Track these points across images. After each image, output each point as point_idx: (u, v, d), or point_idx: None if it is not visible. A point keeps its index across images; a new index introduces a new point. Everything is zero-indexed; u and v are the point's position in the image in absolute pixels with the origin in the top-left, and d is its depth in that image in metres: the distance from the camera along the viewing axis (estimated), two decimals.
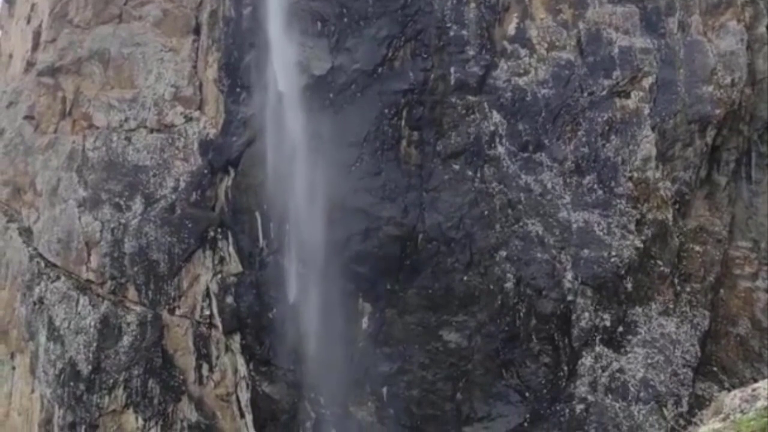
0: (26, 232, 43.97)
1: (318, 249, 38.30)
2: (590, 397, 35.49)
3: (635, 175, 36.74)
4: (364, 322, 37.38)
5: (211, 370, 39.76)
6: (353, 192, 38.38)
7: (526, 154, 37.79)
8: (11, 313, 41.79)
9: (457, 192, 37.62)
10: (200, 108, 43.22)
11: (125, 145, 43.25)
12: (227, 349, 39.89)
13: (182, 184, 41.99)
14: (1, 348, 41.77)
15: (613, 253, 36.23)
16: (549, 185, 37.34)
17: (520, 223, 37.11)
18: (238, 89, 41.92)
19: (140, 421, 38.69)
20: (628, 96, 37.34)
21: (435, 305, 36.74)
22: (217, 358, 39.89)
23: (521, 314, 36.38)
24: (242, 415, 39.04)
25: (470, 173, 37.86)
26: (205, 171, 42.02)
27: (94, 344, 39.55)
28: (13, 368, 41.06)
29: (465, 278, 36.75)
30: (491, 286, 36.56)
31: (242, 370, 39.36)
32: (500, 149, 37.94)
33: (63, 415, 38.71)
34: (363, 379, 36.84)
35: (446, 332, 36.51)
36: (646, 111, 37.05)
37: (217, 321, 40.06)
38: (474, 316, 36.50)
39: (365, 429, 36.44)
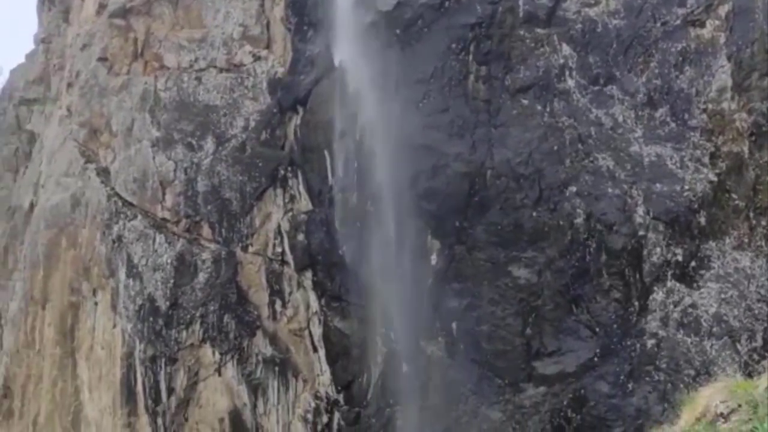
0: (104, 172, 45.10)
1: (386, 186, 38.47)
2: (661, 333, 35.21)
3: (710, 106, 35.71)
4: (433, 259, 37.58)
5: (284, 305, 40.56)
6: (421, 129, 38.26)
7: (596, 88, 37.00)
8: (92, 251, 43.10)
9: (526, 127, 37.16)
10: (268, 47, 43.38)
11: (196, 85, 43.79)
12: (299, 285, 40.60)
13: (252, 124, 42.45)
14: (84, 285, 43.21)
15: (686, 187, 35.48)
16: (620, 119, 36.59)
17: (591, 158, 36.54)
18: (305, 27, 41.89)
19: (217, 355, 39.84)
20: (703, 25, 36.07)
21: (504, 241, 36.66)
22: (290, 294, 40.64)
23: (591, 250, 36.06)
24: (315, 350, 39.88)
25: (539, 108, 37.29)
26: (274, 110, 42.35)
27: (171, 281, 40.64)
28: (96, 304, 42.49)
29: (534, 214, 36.51)
30: (561, 222, 36.25)
31: (314, 305, 40.08)
32: (570, 83, 37.23)
33: (144, 349, 40.07)
34: (433, 315, 37.18)
35: (515, 268, 36.46)
36: (722, 40, 35.78)
37: (289, 258, 40.74)
38: (543, 252, 36.31)
39: (436, 363, 36.91)
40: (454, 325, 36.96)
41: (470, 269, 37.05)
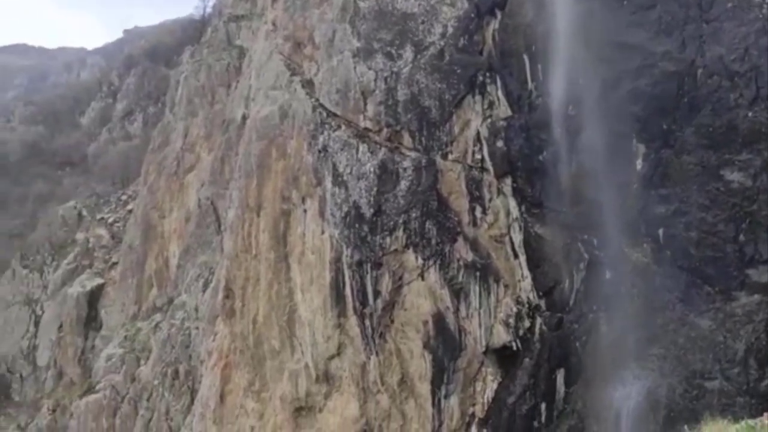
0: (308, 84, 46.51)
1: (589, 88, 37.24)
2: None
3: None
4: (639, 164, 36.29)
5: (484, 212, 40.70)
6: (625, 27, 36.62)
7: None
8: (300, 161, 44.84)
9: (741, 21, 34.64)
10: None
11: None
12: (499, 192, 40.54)
13: (450, 30, 42.17)
14: (293, 193, 45.16)
15: None
16: None
17: None
18: None
19: (420, 260, 40.72)
20: None
21: (715, 144, 34.77)
22: (490, 200, 40.68)
23: None
24: (516, 256, 39.92)
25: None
26: (472, 15, 41.81)
27: (375, 189, 41.67)
28: (305, 211, 44.33)
29: (750, 114, 34.27)
30: None
31: (514, 212, 39.97)
32: None
33: (350, 254, 41.58)
34: (638, 221, 36.13)
35: (728, 172, 34.58)
36: None
37: (488, 165, 40.68)
38: (760, 154, 34.16)
39: (640, 270, 35.99)
40: (660, 231, 35.79)
41: (678, 174, 35.53)
